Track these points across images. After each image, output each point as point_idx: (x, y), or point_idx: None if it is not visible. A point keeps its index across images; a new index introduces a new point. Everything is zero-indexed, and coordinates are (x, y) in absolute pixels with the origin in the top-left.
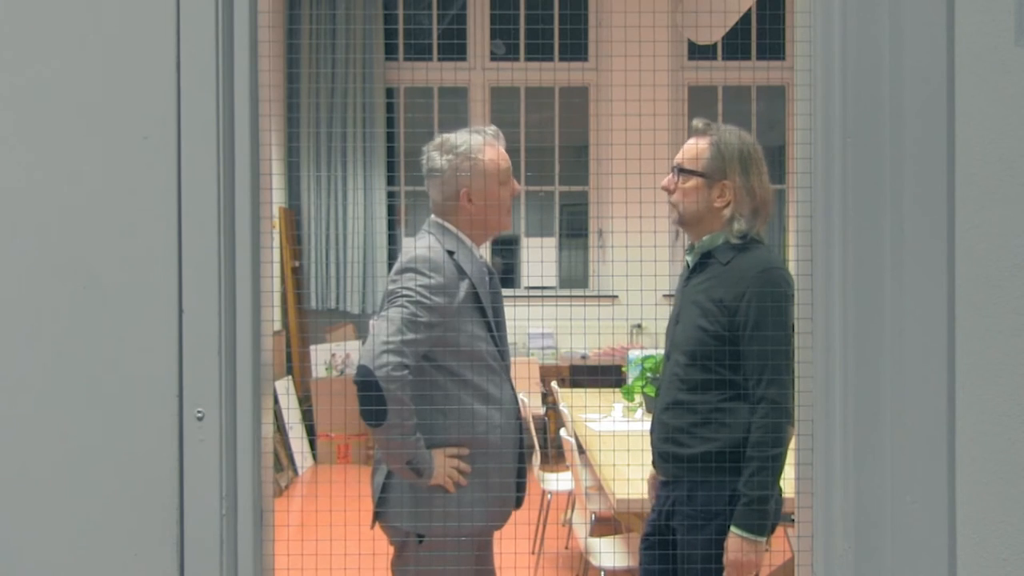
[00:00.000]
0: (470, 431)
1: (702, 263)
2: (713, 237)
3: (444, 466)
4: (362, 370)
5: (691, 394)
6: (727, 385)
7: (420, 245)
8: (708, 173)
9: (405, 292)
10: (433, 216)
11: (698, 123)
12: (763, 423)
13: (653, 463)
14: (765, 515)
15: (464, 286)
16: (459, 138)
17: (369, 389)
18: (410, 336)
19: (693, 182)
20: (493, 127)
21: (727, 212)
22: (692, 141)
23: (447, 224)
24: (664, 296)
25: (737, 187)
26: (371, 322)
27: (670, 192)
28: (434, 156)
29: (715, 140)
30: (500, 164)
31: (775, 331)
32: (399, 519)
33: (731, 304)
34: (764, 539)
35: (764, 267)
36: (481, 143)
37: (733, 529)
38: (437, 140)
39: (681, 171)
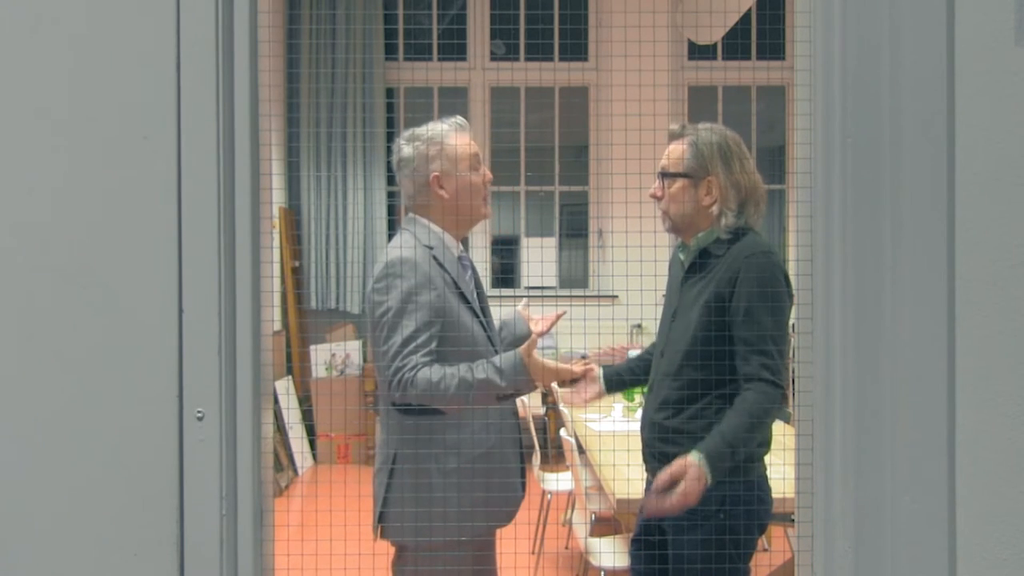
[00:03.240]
0: (469, 426)
1: (700, 262)
2: (707, 234)
3: (542, 368)
4: (396, 399)
5: (688, 392)
6: (725, 384)
7: (402, 245)
8: (691, 172)
9: (390, 306)
10: (410, 214)
11: (674, 127)
12: (754, 394)
13: (645, 464)
14: (724, 461)
15: (445, 280)
16: (423, 129)
17: (413, 403)
18: (412, 344)
19: (679, 184)
20: (459, 117)
21: (715, 209)
22: (673, 146)
23: (426, 220)
24: (664, 296)
25: (722, 182)
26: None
27: (659, 199)
28: (402, 147)
29: (693, 139)
30: (467, 149)
31: (765, 313)
32: (400, 532)
33: (725, 295)
34: (711, 481)
35: (749, 252)
36: (445, 129)
37: (695, 453)
38: (405, 133)
39: (665, 175)
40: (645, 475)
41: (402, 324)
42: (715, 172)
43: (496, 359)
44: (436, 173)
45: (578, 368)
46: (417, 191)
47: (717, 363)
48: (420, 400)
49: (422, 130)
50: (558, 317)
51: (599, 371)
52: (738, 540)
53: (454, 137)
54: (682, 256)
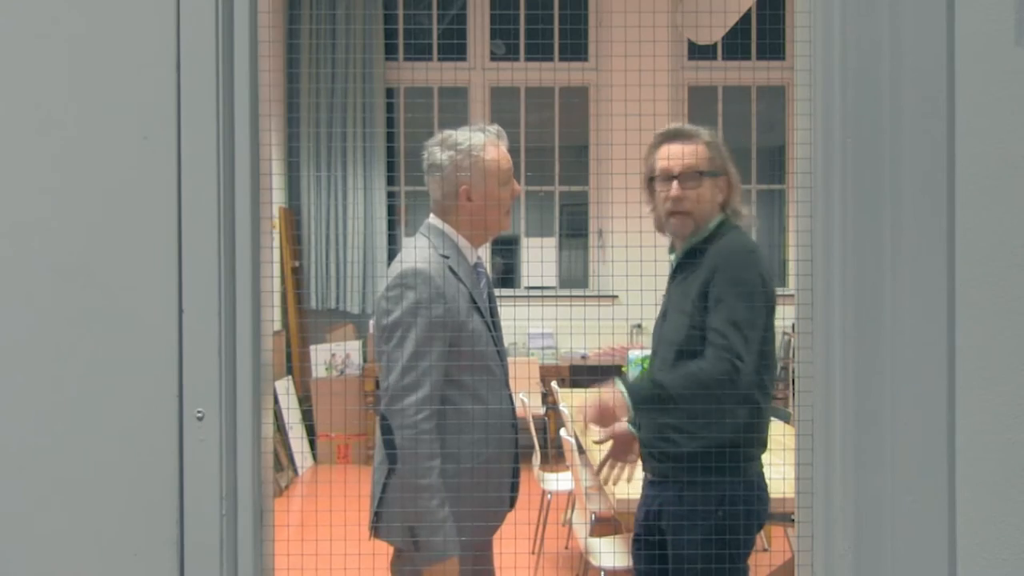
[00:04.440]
0: (469, 438)
1: (685, 261)
2: (698, 233)
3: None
4: (390, 421)
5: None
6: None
7: (418, 257)
8: (716, 172)
9: (398, 318)
10: (431, 217)
11: (675, 127)
12: (701, 361)
13: (642, 460)
14: (647, 402)
15: (459, 293)
16: (461, 135)
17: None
18: (414, 373)
19: (707, 184)
20: (496, 126)
21: (726, 206)
22: (689, 146)
23: (445, 225)
24: (664, 296)
25: (732, 180)
26: (378, 357)
27: (680, 200)
28: (435, 152)
29: (709, 140)
30: (501, 164)
31: (735, 301)
32: (394, 533)
33: (705, 290)
34: (628, 420)
35: (729, 248)
36: (483, 141)
37: (618, 382)
38: (439, 136)
39: (701, 174)
40: (644, 475)
41: (408, 339)
42: (729, 170)
43: (447, 527)
44: (466, 185)
45: None
46: (443, 197)
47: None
48: (401, 442)
49: (458, 137)
50: None
51: (628, 427)
52: (737, 540)
53: (490, 150)
54: (671, 257)
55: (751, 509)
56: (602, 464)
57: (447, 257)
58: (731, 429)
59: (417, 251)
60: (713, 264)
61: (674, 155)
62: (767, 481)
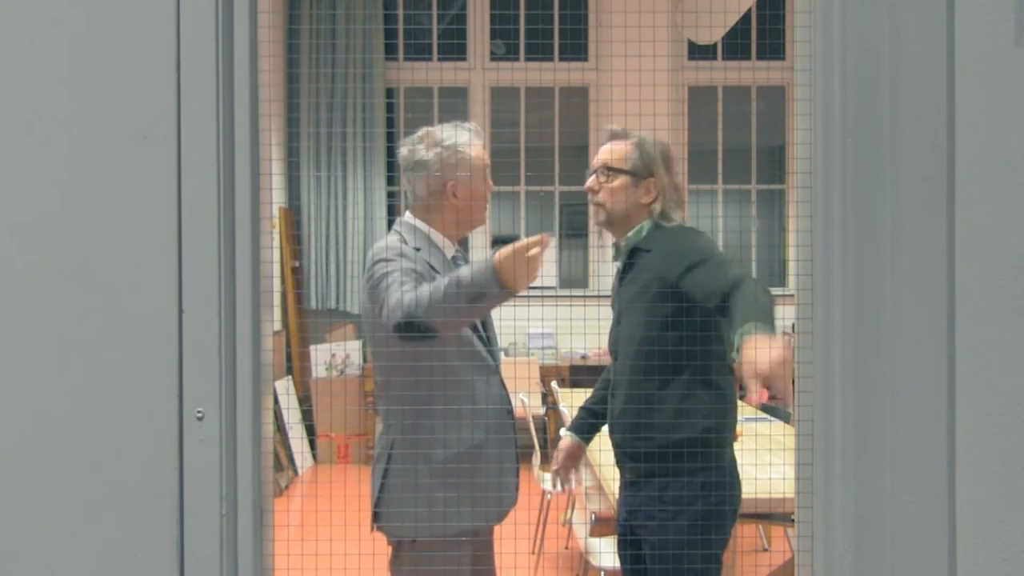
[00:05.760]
0: (468, 432)
1: (630, 262)
2: (637, 231)
3: (505, 256)
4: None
5: (647, 389)
6: (681, 370)
7: (388, 243)
8: (636, 171)
9: (391, 269)
10: (406, 215)
11: (615, 128)
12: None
13: (618, 465)
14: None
15: (434, 278)
16: (444, 132)
17: (415, 319)
18: (407, 285)
19: (621, 180)
20: (474, 123)
21: (656, 207)
22: (616, 144)
23: (418, 222)
24: (613, 303)
25: (662, 184)
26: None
27: (595, 192)
28: (419, 150)
29: (637, 141)
30: (485, 160)
31: (716, 256)
32: (396, 522)
33: (668, 272)
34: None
35: (677, 232)
36: (468, 139)
37: (752, 329)
38: (419, 133)
39: (609, 170)
40: (622, 476)
41: (394, 273)
42: (657, 174)
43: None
44: (453, 181)
45: (533, 239)
46: (429, 195)
47: (673, 350)
48: (420, 312)
49: (441, 135)
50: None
51: (568, 434)
52: (710, 526)
53: (474, 148)
54: (617, 262)
55: (724, 495)
56: (555, 474)
57: (419, 250)
58: (701, 416)
59: (388, 241)
60: (666, 248)
61: (600, 153)
62: (739, 469)
